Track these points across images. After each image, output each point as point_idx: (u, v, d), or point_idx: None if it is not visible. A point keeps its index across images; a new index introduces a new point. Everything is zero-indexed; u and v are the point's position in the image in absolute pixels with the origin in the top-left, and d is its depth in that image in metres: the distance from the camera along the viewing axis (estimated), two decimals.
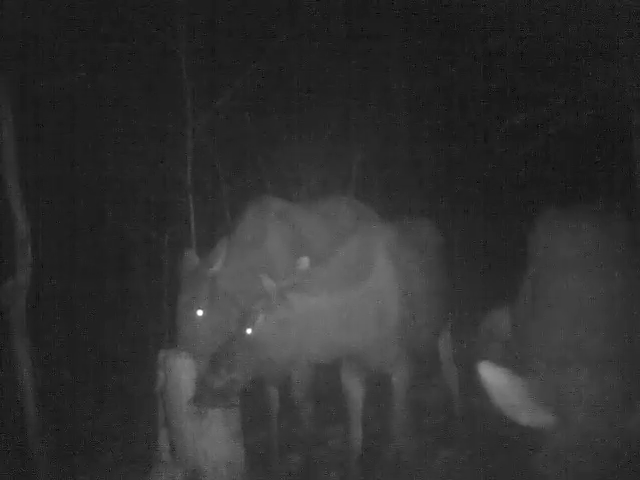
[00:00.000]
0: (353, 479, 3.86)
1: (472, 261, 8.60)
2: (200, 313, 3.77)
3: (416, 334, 3.72)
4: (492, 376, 2.38)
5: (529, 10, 5.71)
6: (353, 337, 3.47)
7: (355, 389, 3.84)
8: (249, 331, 3.23)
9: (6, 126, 4.53)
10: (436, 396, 5.17)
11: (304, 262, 3.46)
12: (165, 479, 3.66)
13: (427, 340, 3.98)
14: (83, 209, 8.25)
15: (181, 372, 3.60)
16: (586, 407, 2.34)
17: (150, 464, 3.78)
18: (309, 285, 3.38)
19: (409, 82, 8.83)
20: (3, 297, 4.58)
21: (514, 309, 3.09)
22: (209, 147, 7.15)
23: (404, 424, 3.73)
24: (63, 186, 7.98)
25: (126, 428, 5.68)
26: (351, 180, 8.18)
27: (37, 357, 4.78)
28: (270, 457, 4.34)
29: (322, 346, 3.44)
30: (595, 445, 2.30)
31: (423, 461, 4.05)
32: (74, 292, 8.06)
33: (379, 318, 3.50)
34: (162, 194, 7.31)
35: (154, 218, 7.96)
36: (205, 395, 3.21)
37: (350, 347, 3.52)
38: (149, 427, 4.10)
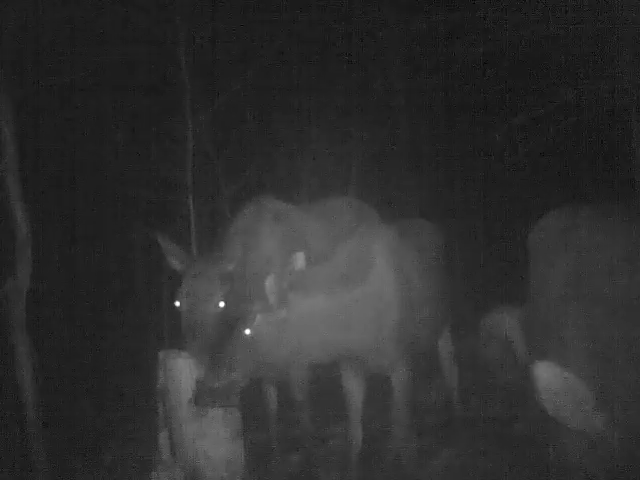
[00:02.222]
0: (353, 479, 3.86)
1: (472, 261, 8.61)
2: (222, 305, 3.78)
3: (416, 334, 3.72)
4: (549, 377, 2.36)
5: (530, 10, 5.71)
6: (352, 337, 3.47)
7: (355, 389, 3.83)
8: (248, 332, 3.22)
9: (6, 126, 4.53)
10: (436, 396, 5.17)
11: (300, 258, 3.44)
12: (165, 479, 3.66)
13: (427, 340, 3.98)
14: (83, 209, 8.26)
15: (181, 372, 3.60)
16: (634, 405, 2.34)
17: (150, 464, 3.77)
18: (308, 285, 3.37)
19: (409, 82, 8.83)
20: (3, 297, 4.58)
21: (538, 308, 3.01)
22: (209, 147, 7.15)
23: (404, 424, 3.73)
24: (63, 186, 7.99)
25: (126, 428, 5.68)
26: (351, 180, 8.19)
27: (37, 357, 4.78)
28: (270, 457, 4.34)
29: (321, 346, 3.44)
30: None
31: (423, 461, 4.05)
32: (74, 292, 8.07)
33: (379, 318, 3.50)
34: (162, 194, 7.31)
35: (154, 218, 7.96)
36: (205, 395, 3.21)
37: (349, 347, 3.51)
38: (149, 427, 4.10)
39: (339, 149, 8.08)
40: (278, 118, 7.93)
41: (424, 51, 8.43)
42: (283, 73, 7.80)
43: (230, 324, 3.32)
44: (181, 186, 6.63)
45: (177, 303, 3.84)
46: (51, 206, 7.54)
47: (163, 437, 3.72)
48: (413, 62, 8.70)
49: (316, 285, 3.39)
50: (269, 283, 3.23)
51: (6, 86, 4.55)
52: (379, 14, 8.38)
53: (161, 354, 3.74)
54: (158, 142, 7.29)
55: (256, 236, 4.17)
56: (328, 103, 8.05)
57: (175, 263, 3.94)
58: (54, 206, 7.70)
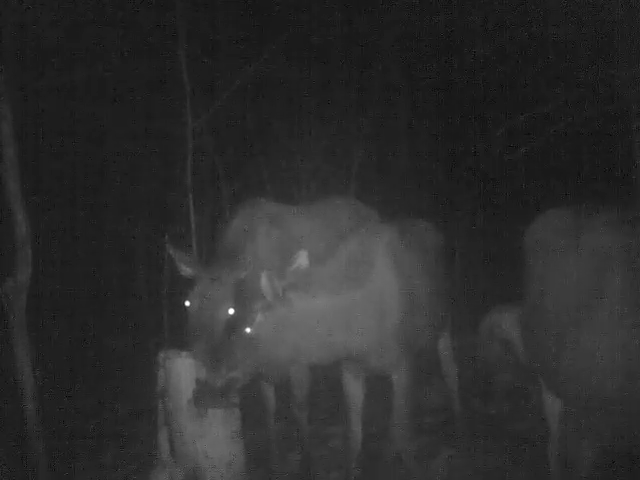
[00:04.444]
0: (353, 479, 3.87)
1: (472, 261, 8.60)
2: (232, 312, 3.80)
3: (416, 334, 3.72)
4: None
5: (529, 10, 5.71)
6: (353, 338, 3.47)
7: (355, 389, 3.84)
8: (248, 330, 3.23)
9: (6, 126, 4.53)
10: (436, 396, 5.18)
11: (302, 256, 3.43)
12: (165, 479, 3.66)
13: (427, 340, 3.98)
14: (83, 209, 8.25)
15: (181, 372, 3.60)
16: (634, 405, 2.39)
17: (150, 464, 3.77)
18: (309, 285, 3.38)
19: (409, 82, 8.83)
20: (3, 297, 4.57)
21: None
22: (209, 147, 7.14)
23: (404, 424, 3.73)
24: (63, 186, 7.98)
25: (126, 428, 5.68)
26: (351, 180, 8.18)
27: (37, 357, 4.78)
28: (269, 456, 4.35)
29: (322, 347, 3.44)
30: None
31: (423, 461, 4.05)
32: (74, 292, 8.06)
33: (379, 319, 3.50)
34: (162, 194, 7.31)
35: (154, 218, 7.95)
36: (205, 395, 3.21)
37: (350, 348, 3.52)
38: (149, 427, 4.10)
39: (339, 149, 8.08)
40: (278, 118, 7.93)
41: (424, 51, 8.43)
42: (283, 73, 7.79)
43: (231, 323, 3.34)
44: (181, 186, 6.63)
45: (187, 303, 3.87)
46: (51, 206, 7.53)
47: (163, 437, 3.72)
48: (413, 62, 8.70)
49: (317, 285, 3.39)
50: (264, 281, 3.23)
51: (6, 86, 4.55)
52: (379, 14, 8.37)
53: (161, 354, 3.73)
54: (158, 142, 7.29)
55: (253, 238, 4.18)
56: (328, 103, 8.04)
57: (186, 270, 3.98)
58: (54, 206, 7.69)
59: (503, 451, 4.19)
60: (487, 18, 6.34)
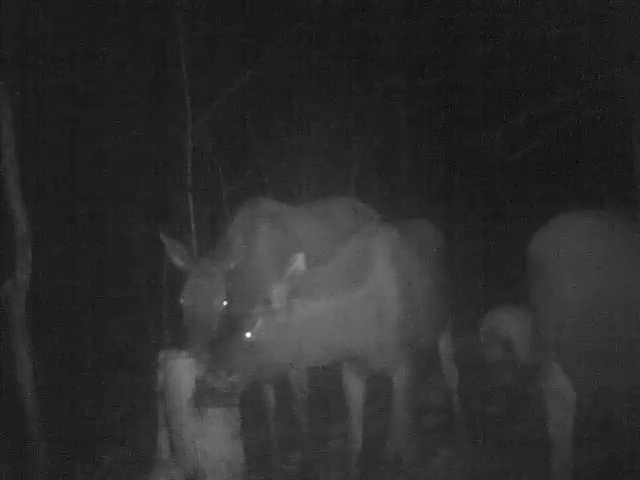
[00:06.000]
0: (353, 479, 3.86)
1: (472, 262, 8.61)
2: (225, 303, 3.79)
3: (416, 335, 3.72)
4: None
5: (529, 10, 5.71)
6: (353, 339, 3.47)
7: (355, 389, 3.83)
8: (248, 335, 3.22)
9: (6, 126, 4.53)
10: (436, 396, 5.17)
11: (300, 259, 3.43)
12: (165, 479, 3.66)
13: (427, 340, 3.98)
14: (83, 209, 8.25)
15: (181, 372, 3.59)
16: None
17: (150, 464, 3.77)
18: (309, 287, 3.37)
19: (409, 82, 8.84)
20: (3, 297, 4.58)
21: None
22: (209, 147, 7.15)
23: (405, 424, 3.73)
24: (63, 186, 7.99)
25: (126, 428, 5.68)
26: (351, 181, 8.19)
27: (37, 357, 4.78)
28: (270, 457, 4.34)
29: (322, 348, 3.43)
30: None
31: (423, 461, 4.05)
32: (74, 292, 8.06)
33: (379, 319, 3.50)
34: (162, 194, 7.31)
35: (154, 218, 7.95)
36: (205, 395, 3.21)
37: (351, 349, 3.51)
38: (149, 427, 4.10)
39: (339, 149, 8.08)
40: (278, 118, 7.93)
41: (424, 51, 8.43)
42: (283, 73, 7.80)
43: (231, 325, 3.33)
44: (181, 186, 6.63)
45: (181, 300, 3.86)
46: (51, 206, 7.53)
47: (163, 437, 3.72)
48: (413, 62, 8.70)
49: (317, 286, 3.39)
50: (277, 288, 3.23)
51: (6, 86, 4.55)
52: (379, 14, 8.38)
53: (161, 354, 3.73)
54: (158, 142, 7.29)
55: (254, 237, 4.18)
56: (328, 103, 8.05)
57: (178, 261, 3.97)
58: (54, 206, 7.69)
59: (503, 451, 4.19)
60: (487, 17, 6.34)
